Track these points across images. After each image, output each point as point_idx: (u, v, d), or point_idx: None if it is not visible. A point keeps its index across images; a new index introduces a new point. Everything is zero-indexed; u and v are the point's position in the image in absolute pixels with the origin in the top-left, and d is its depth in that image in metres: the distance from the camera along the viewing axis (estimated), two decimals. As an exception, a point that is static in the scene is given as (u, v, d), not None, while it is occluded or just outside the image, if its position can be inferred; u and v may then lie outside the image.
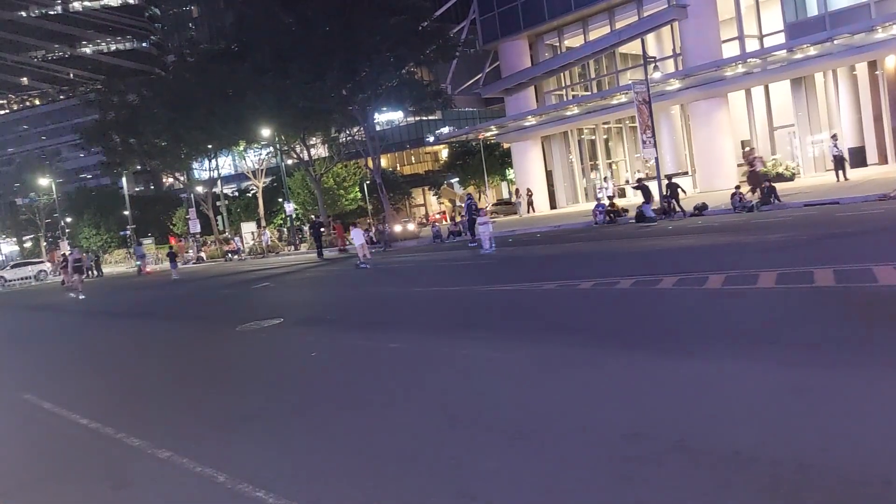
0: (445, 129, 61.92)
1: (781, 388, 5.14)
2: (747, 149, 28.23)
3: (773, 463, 3.87)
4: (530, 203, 45.13)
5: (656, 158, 28.70)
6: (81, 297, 25.73)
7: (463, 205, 32.24)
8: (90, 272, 46.99)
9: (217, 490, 4.66)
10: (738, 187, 24.28)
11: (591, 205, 31.58)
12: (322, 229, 35.48)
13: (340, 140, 43.35)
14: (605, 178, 41.95)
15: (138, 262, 44.26)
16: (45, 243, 71.08)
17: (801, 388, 5.10)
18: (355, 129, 40.02)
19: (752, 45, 35.41)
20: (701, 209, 24.35)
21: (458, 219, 37.66)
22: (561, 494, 3.89)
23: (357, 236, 24.07)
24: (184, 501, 4.60)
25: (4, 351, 14.41)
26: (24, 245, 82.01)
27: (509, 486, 4.08)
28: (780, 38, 33.52)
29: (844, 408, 4.63)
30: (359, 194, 51.02)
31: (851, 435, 4.17)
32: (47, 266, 53.28)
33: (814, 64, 31.60)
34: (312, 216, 46.26)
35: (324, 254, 33.74)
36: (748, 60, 31.79)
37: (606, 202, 28.44)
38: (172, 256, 35.60)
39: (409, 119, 63.76)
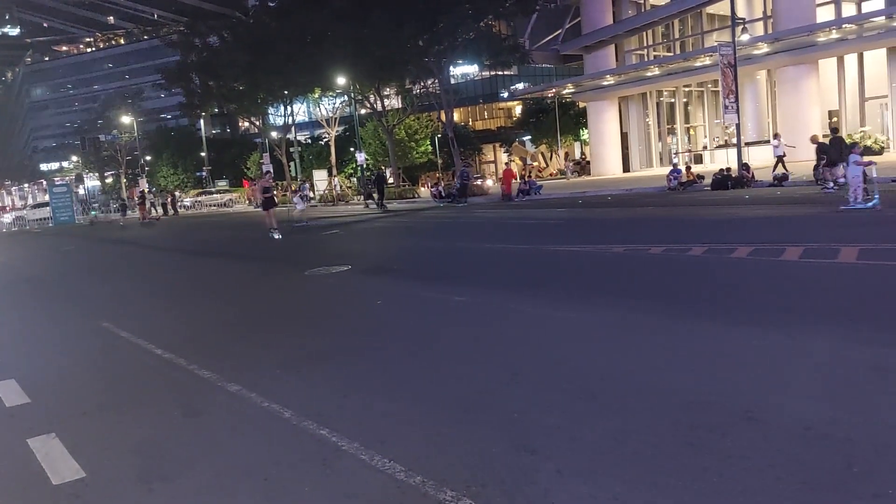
0: (520, 86, 60.91)
1: (859, 366, 4.94)
2: None
3: (846, 441, 3.74)
4: (581, 167, 44.87)
5: (737, 125, 27.72)
6: (277, 235, 20.61)
7: (458, 171, 34.17)
8: (166, 209, 48.53)
9: (282, 425, 4.80)
10: (822, 159, 23.15)
11: (666, 169, 30.76)
12: (387, 182, 35.08)
13: (414, 92, 43.18)
14: (775, 135, 35.23)
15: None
16: (125, 180, 73.56)
17: (880, 367, 4.89)
18: (430, 82, 39.77)
19: (848, 10, 33.59)
20: (781, 179, 23.43)
21: (527, 178, 37.30)
22: (622, 456, 3.85)
23: (298, 202, 27.85)
24: (249, 434, 4.75)
25: (84, 281, 15.09)
26: (106, 181, 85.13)
27: (570, 444, 4.06)
28: (880, 4, 31.67)
29: (927, 392, 4.42)
30: (430, 147, 50.85)
31: (934, 420, 3.99)
32: None
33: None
34: (382, 167, 46.52)
35: (386, 206, 32.64)
36: (843, 26, 30.22)
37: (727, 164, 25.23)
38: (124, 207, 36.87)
39: (483, 73, 62.91)
